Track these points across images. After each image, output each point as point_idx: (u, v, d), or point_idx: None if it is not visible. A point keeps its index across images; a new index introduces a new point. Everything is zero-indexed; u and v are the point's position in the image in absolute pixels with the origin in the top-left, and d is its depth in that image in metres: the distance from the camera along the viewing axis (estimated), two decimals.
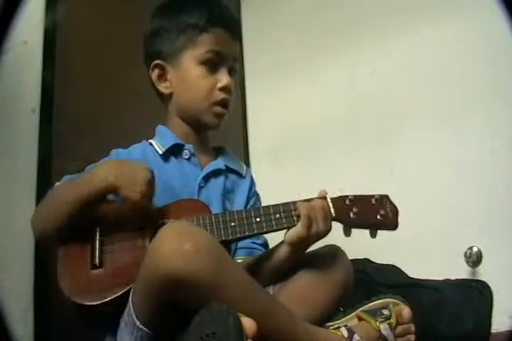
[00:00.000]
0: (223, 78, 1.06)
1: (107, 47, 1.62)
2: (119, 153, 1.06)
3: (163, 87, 1.09)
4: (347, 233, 0.91)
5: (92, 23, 1.59)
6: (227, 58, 1.08)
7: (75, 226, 0.91)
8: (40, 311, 1.29)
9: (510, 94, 1.47)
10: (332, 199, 0.93)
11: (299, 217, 0.90)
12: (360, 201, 0.92)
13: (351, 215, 0.91)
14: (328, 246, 0.97)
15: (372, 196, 0.93)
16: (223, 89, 1.06)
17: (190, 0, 1.12)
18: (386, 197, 0.93)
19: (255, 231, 0.92)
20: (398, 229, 0.91)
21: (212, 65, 1.06)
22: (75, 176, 1.00)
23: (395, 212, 0.91)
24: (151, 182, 0.91)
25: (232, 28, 1.10)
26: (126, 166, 0.94)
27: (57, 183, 1.00)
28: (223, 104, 1.07)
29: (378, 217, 0.91)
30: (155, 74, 1.09)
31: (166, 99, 1.11)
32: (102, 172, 0.92)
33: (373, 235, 0.91)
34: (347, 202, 0.92)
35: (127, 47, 1.61)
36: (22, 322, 1.26)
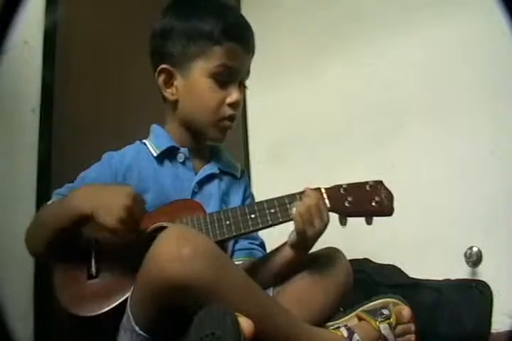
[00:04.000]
0: (233, 94, 1.01)
1: (107, 47, 1.62)
2: (112, 155, 1.04)
3: (169, 93, 1.04)
4: (343, 222, 0.91)
5: (92, 23, 1.59)
6: (239, 73, 1.03)
7: (66, 242, 0.90)
8: (40, 311, 1.29)
9: (510, 94, 1.46)
10: (326, 189, 0.92)
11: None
12: (355, 189, 0.91)
13: (346, 204, 0.90)
14: (327, 248, 0.97)
15: (367, 183, 0.92)
16: (232, 104, 1.01)
17: (206, 4, 1.05)
18: (380, 182, 0.92)
19: (251, 228, 0.91)
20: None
21: (222, 79, 1.00)
22: (65, 190, 0.98)
23: (390, 197, 0.91)
24: (131, 208, 0.83)
25: (247, 41, 1.04)
26: (103, 192, 0.87)
27: (52, 200, 0.98)
28: (230, 119, 1.03)
29: (373, 203, 0.90)
30: (161, 78, 1.03)
31: (170, 104, 1.06)
32: (76, 201, 0.86)
33: (369, 222, 0.90)
34: (341, 192, 0.91)
35: (127, 47, 1.62)
36: (22, 322, 1.26)
